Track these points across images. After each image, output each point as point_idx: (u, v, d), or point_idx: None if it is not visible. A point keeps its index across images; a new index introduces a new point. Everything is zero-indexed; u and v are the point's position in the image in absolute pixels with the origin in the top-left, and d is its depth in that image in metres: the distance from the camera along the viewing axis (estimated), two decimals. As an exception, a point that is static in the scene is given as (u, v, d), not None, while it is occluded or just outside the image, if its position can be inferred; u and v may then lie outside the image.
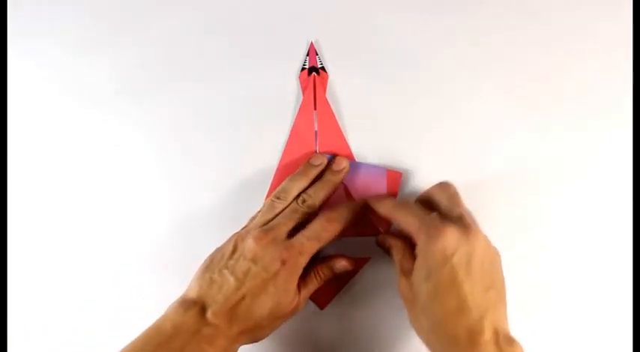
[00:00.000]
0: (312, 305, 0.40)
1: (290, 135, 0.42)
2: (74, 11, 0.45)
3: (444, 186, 0.35)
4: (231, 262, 0.34)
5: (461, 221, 0.32)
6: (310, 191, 0.38)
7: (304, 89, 0.43)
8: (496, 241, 0.40)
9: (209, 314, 0.32)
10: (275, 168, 0.41)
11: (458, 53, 0.43)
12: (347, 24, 0.44)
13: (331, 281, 0.40)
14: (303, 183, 0.38)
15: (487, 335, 0.29)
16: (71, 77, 0.44)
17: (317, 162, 0.39)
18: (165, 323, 0.32)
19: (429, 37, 0.43)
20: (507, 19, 0.44)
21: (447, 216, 0.33)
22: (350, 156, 0.41)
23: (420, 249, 0.32)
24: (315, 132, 0.41)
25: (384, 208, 0.36)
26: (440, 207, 0.35)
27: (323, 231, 0.35)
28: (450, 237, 0.31)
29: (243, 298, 0.33)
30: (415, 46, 0.43)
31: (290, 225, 0.36)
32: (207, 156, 0.42)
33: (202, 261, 0.36)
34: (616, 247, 0.40)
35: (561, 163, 0.42)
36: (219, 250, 0.36)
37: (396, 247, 0.36)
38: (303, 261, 0.34)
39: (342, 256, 0.38)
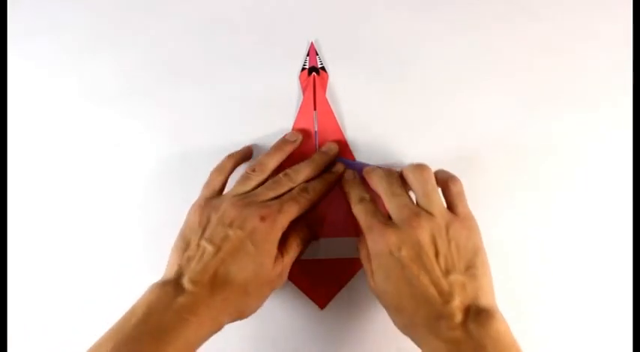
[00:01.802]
0: (312, 305, 0.40)
1: (290, 135, 0.42)
2: (74, 11, 0.45)
3: (416, 171, 0.34)
4: (208, 232, 0.33)
5: (402, 213, 0.32)
6: (312, 183, 0.38)
7: (304, 89, 0.43)
8: (496, 241, 0.40)
9: (185, 282, 0.31)
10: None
11: (458, 53, 0.43)
12: (347, 24, 0.44)
13: (331, 281, 0.40)
14: (278, 157, 0.39)
15: (456, 319, 0.29)
16: (71, 77, 0.44)
17: (292, 139, 0.40)
18: (140, 302, 0.31)
19: (429, 37, 0.43)
20: (507, 19, 0.44)
21: (389, 209, 0.34)
22: (350, 156, 0.41)
23: (370, 251, 0.33)
24: (315, 132, 0.41)
25: (349, 197, 0.37)
26: (382, 199, 0.35)
27: (300, 196, 0.36)
28: (392, 235, 0.31)
29: (222, 262, 0.32)
30: (415, 45, 0.43)
31: (270, 194, 0.36)
32: (208, 155, 0.42)
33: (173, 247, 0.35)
34: (616, 247, 0.40)
35: (561, 163, 0.42)
36: (186, 228, 0.35)
37: (362, 249, 0.36)
38: (283, 219, 0.34)
39: (320, 217, 0.39)
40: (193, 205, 0.36)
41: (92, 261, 0.42)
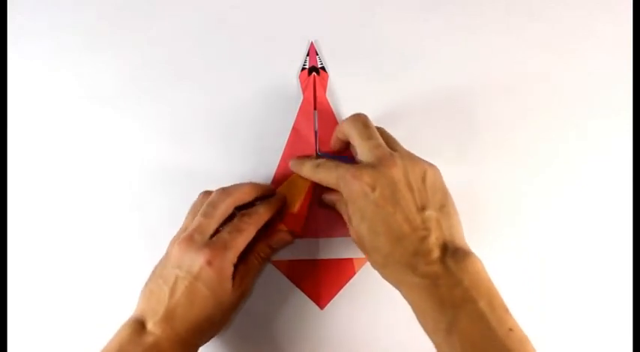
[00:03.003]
0: (312, 305, 0.40)
1: (290, 135, 0.42)
2: (74, 11, 0.45)
3: (352, 121, 0.35)
4: (164, 271, 0.34)
5: (377, 150, 0.32)
6: (253, 208, 0.37)
7: (304, 89, 0.43)
8: (496, 241, 0.40)
9: (150, 326, 0.32)
10: (275, 168, 0.41)
11: (458, 53, 0.43)
12: (347, 24, 0.44)
13: (331, 281, 0.40)
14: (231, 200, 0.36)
15: (433, 254, 0.29)
16: (71, 77, 0.44)
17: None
18: (112, 343, 0.32)
19: (429, 37, 0.43)
20: (508, 19, 0.44)
21: (362, 154, 0.33)
22: (350, 155, 0.41)
23: (346, 198, 0.32)
24: (315, 132, 0.41)
25: (305, 173, 0.37)
26: (354, 145, 0.34)
27: (242, 222, 0.35)
28: (365, 176, 0.31)
29: (177, 305, 0.33)
30: (415, 45, 0.43)
31: (213, 224, 0.35)
32: (208, 155, 0.42)
33: None
34: (616, 247, 0.40)
35: (561, 163, 0.42)
36: (161, 259, 0.36)
37: (339, 200, 0.36)
38: (231, 255, 0.34)
39: (280, 230, 0.38)
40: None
41: (92, 261, 0.41)
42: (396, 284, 0.32)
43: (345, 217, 0.35)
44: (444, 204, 0.32)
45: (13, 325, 0.40)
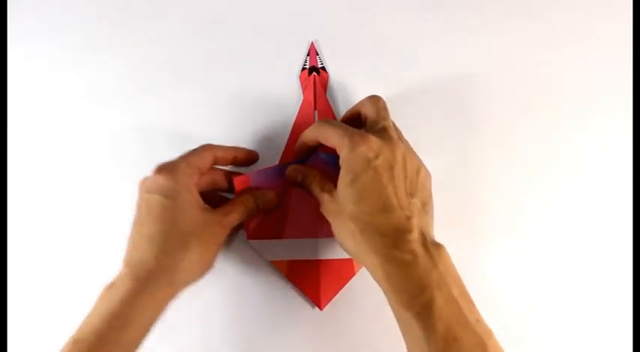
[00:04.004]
0: (312, 306, 0.40)
1: (290, 135, 0.42)
2: (74, 11, 0.45)
3: (373, 99, 0.35)
4: (137, 211, 0.34)
5: (385, 132, 0.33)
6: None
7: (304, 89, 0.43)
8: (496, 241, 0.40)
9: (124, 266, 0.32)
10: (275, 168, 0.41)
11: (458, 53, 0.43)
12: (347, 24, 0.44)
13: (331, 281, 0.40)
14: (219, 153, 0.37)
15: (414, 234, 0.30)
16: (71, 77, 0.44)
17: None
18: (94, 304, 0.32)
19: (429, 37, 0.43)
20: (508, 19, 0.44)
21: (372, 128, 0.33)
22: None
23: (343, 158, 0.32)
24: (315, 132, 0.41)
25: (309, 134, 0.36)
26: (367, 120, 0.35)
27: (199, 149, 0.36)
28: (373, 142, 0.31)
29: (142, 225, 0.33)
30: (415, 45, 0.43)
31: (183, 163, 0.34)
32: (207, 156, 0.42)
33: None
34: (616, 247, 0.40)
35: (561, 163, 0.41)
36: None
37: (311, 174, 0.36)
38: (183, 164, 0.34)
39: (269, 191, 0.38)
40: None
41: (92, 261, 0.41)
42: (368, 254, 0.31)
43: (321, 188, 0.35)
44: (427, 203, 0.33)
45: (13, 325, 0.40)
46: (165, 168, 0.33)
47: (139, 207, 0.33)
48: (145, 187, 0.33)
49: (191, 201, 0.33)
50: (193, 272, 0.34)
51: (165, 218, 0.32)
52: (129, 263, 0.33)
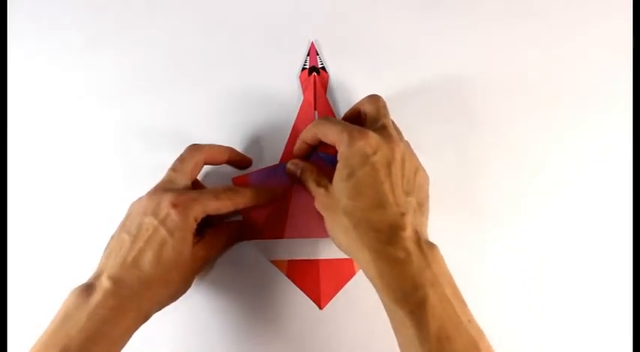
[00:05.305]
0: (312, 305, 0.40)
1: (290, 135, 0.42)
2: (74, 11, 0.45)
3: (373, 98, 0.35)
4: (127, 223, 0.33)
5: (385, 130, 0.33)
6: (244, 188, 0.37)
7: (304, 89, 0.43)
8: (496, 241, 0.40)
9: (103, 280, 0.31)
10: (275, 168, 0.41)
11: (458, 52, 0.43)
12: (347, 24, 0.44)
13: (331, 281, 0.40)
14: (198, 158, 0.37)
15: (408, 232, 0.30)
16: (71, 77, 0.44)
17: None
18: (58, 313, 0.31)
19: (429, 36, 0.43)
20: (508, 19, 0.44)
21: (372, 126, 0.33)
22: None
23: (341, 153, 0.32)
24: (315, 132, 0.41)
25: (308, 132, 0.36)
26: (366, 118, 0.35)
27: (223, 192, 0.34)
28: (371, 138, 0.31)
29: (139, 251, 0.32)
30: (415, 45, 0.43)
31: (181, 178, 0.35)
32: (207, 155, 0.42)
33: None
34: (616, 247, 0.40)
35: (561, 163, 0.41)
36: (120, 222, 0.35)
37: (309, 169, 0.36)
38: (198, 208, 0.33)
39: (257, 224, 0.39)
40: None
41: (91, 261, 0.41)
42: (361, 250, 0.31)
43: (317, 183, 0.35)
44: (423, 204, 0.33)
45: (13, 325, 0.40)
46: (181, 204, 0.32)
47: (140, 227, 0.33)
48: (157, 216, 0.32)
49: (187, 239, 0.33)
50: (165, 303, 0.34)
51: (161, 253, 0.32)
52: (115, 280, 0.31)
